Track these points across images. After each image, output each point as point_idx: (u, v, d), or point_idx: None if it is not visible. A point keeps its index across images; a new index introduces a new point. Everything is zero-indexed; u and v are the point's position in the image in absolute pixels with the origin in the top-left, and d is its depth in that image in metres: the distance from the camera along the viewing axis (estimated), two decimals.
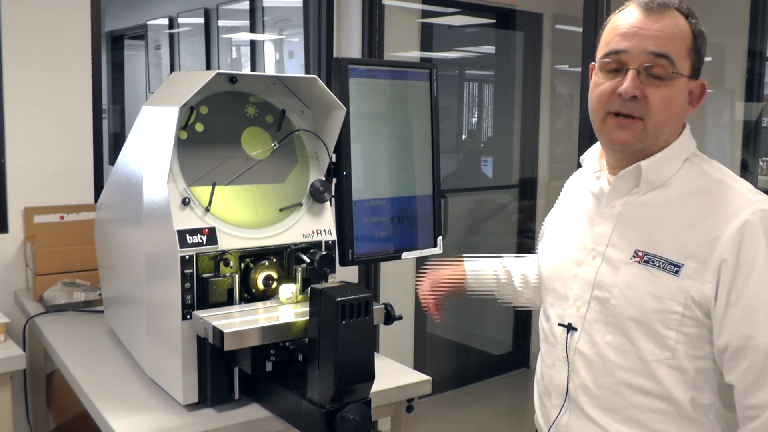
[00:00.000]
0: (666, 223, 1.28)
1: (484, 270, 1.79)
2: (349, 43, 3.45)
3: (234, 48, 5.19)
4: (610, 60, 1.29)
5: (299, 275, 1.77)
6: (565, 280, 1.41)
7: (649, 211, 1.31)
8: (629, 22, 1.28)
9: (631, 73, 1.25)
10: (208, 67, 5.24)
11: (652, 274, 1.26)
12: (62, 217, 2.70)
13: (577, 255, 1.40)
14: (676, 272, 1.24)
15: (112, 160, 4.32)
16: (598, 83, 1.32)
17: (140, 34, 6.17)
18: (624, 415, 1.31)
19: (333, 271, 1.80)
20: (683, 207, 1.28)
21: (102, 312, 2.33)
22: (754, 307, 1.19)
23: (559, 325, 1.40)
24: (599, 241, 1.36)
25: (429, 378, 1.95)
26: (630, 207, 1.34)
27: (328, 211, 1.89)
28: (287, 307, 1.71)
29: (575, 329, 1.37)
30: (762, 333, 1.19)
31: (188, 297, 1.65)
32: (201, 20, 5.21)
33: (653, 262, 1.26)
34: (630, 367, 1.29)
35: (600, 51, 1.33)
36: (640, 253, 1.29)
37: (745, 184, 1.29)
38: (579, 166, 1.55)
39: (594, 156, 1.46)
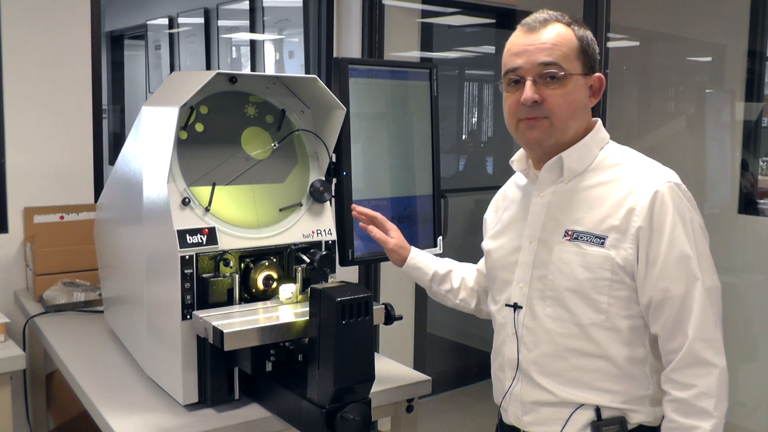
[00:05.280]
0: (589, 204, 1.46)
1: (425, 262, 1.85)
2: (349, 43, 3.45)
3: (234, 48, 5.19)
4: (510, 77, 1.49)
5: (299, 275, 1.77)
6: (508, 267, 1.58)
7: (574, 196, 1.49)
8: (518, 43, 1.50)
9: (528, 84, 1.46)
10: (208, 67, 5.23)
11: (582, 249, 1.44)
12: (62, 217, 2.70)
13: (517, 243, 1.57)
14: (602, 244, 1.42)
15: (112, 160, 4.32)
16: (506, 98, 1.52)
17: (140, 34, 6.17)
18: (568, 378, 1.46)
19: (333, 271, 1.80)
20: (602, 188, 1.46)
21: (102, 312, 2.34)
22: (667, 264, 1.38)
23: (506, 305, 1.56)
24: (534, 228, 1.53)
25: (429, 378, 1.96)
26: (557, 195, 1.51)
27: (328, 211, 1.89)
28: (287, 307, 1.71)
29: (521, 307, 1.53)
30: (676, 285, 1.38)
31: (188, 297, 1.65)
32: (201, 20, 5.21)
33: (582, 238, 1.45)
34: (569, 333, 1.46)
35: (502, 72, 1.53)
36: (570, 232, 1.46)
37: (655, 164, 1.48)
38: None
39: (521, 157, 1.62)
